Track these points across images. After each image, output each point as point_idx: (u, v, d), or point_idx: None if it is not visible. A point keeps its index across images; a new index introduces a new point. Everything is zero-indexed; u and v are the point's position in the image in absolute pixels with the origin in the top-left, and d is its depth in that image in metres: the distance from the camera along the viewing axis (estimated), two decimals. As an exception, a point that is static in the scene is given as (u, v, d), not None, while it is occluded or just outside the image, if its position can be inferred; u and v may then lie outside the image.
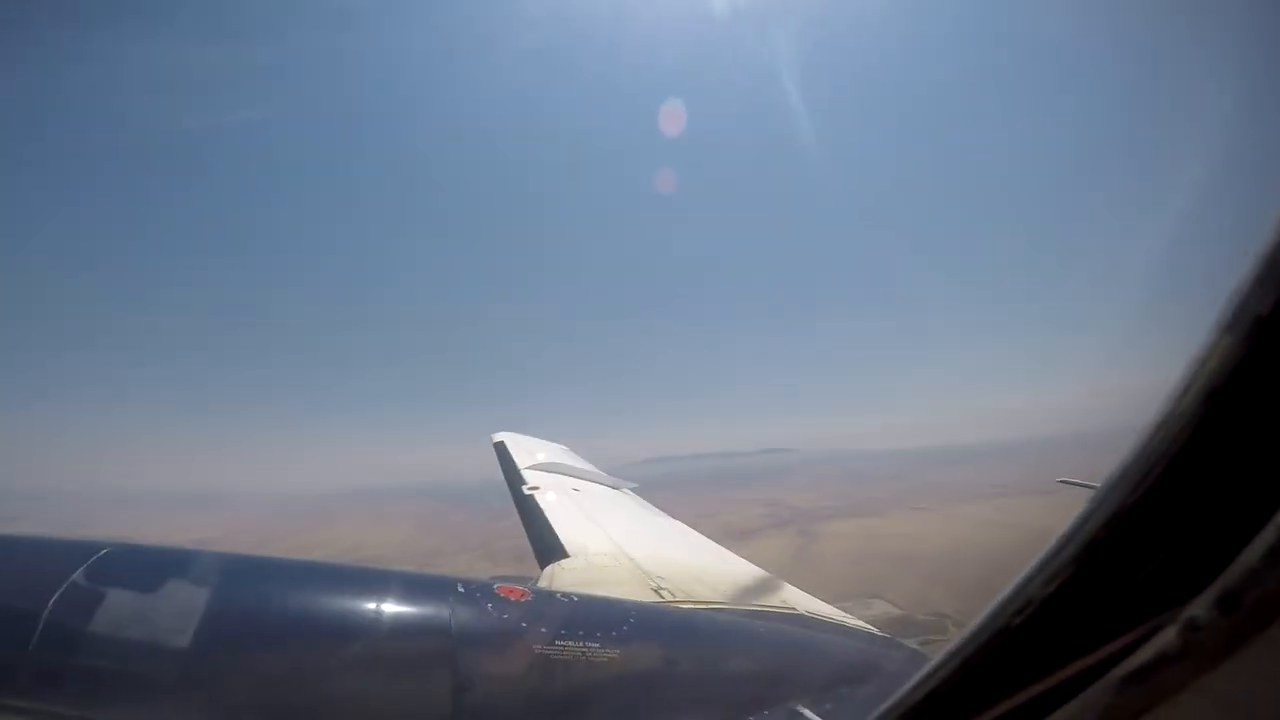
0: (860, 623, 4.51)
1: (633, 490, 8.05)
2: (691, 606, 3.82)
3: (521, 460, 7.92)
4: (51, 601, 2.00)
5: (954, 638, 1.02)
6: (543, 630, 2.50)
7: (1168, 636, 0.79)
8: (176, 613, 2.09)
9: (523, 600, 2.63)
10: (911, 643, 4.47)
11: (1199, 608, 0.76)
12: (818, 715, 2.72)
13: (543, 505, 6.24)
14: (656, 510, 7.37)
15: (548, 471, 7.65)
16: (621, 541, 5.29)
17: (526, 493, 6.69)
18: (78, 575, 2.08)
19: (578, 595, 3.04)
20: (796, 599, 4.57)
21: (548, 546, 5.25)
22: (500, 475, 7.72)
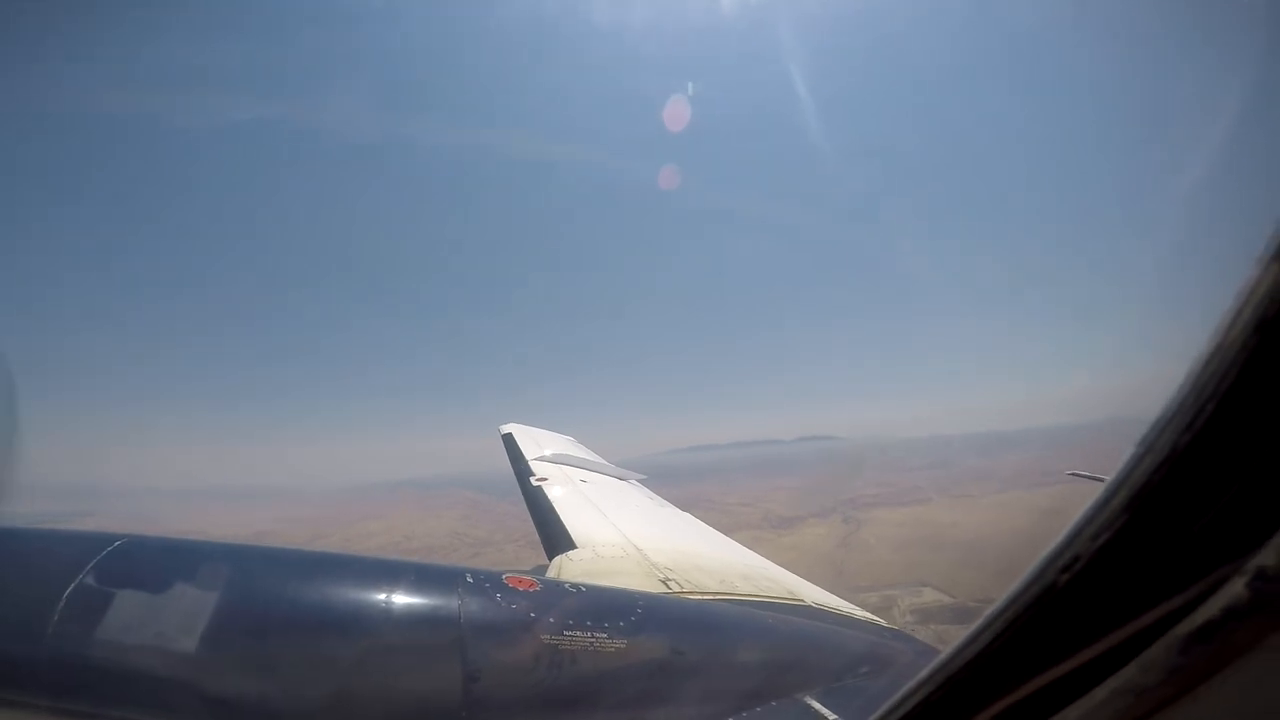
0: (868, 614, 4.45)
1: (640, 481, 7.98)
2: (699, 598, 3.81)
3: (529, 451, 7.94)
4: (66, 594, 2.03)
5: (998, 600, 0.96)
6: (551, 620, 2.51)
7: (1235, 589, 0.72)
8: (189, 604, 2.12)
9: (531, 590, 2.65)
10: (926, 636, 4.35)
11: (1269, 556, 0.70)
12: (825, 706, 2.72)
13: (550, 497, 6.25)
14: (664, 502, 7.31)
15: (555, 463, 7.65)
16: (629, 533, 5.27)
17: (534, 484, 6.70)
18: (91, 568, 2.11)
19: (585, 586, 3.04)
20: (804, 590, 4.54)
21: (555, 538, 5.25)
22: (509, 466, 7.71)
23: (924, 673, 1.08)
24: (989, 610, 0.96)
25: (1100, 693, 0.85)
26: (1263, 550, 0.71)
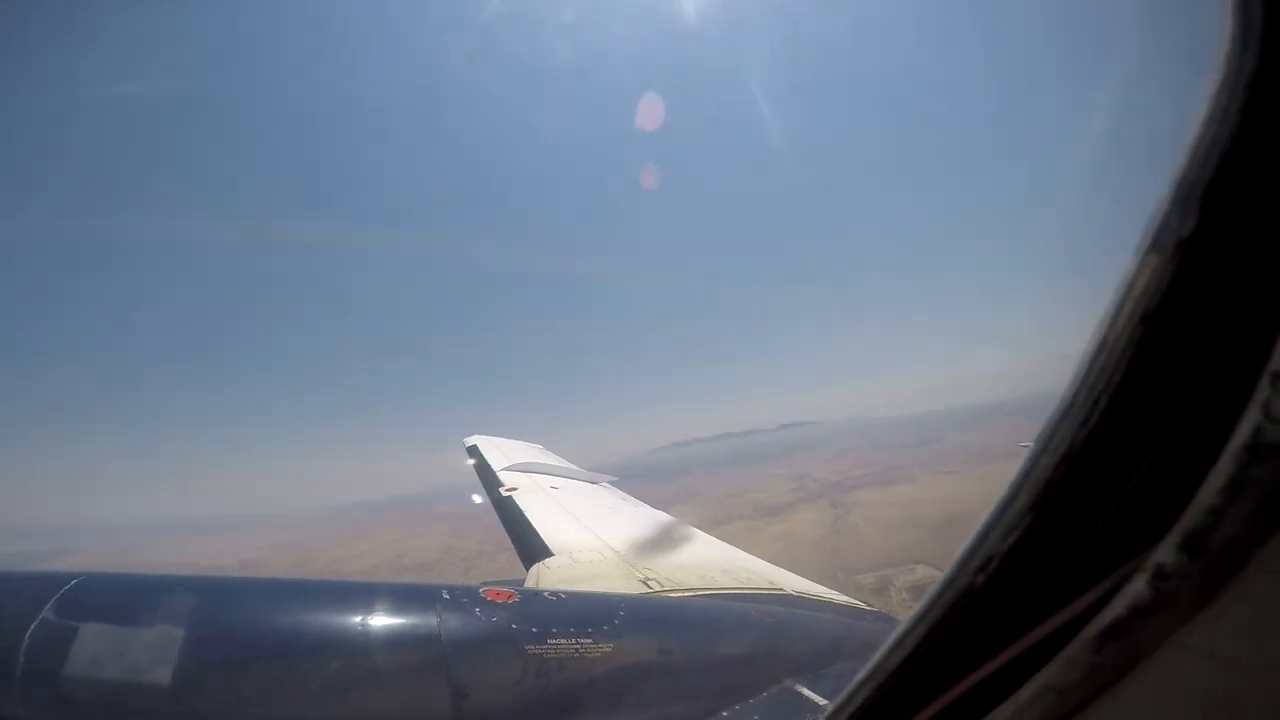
0: (848, 599, 4.53)
1: (611, 483, 7.97)
2: (680, 595, 3.86)
3: (496, 462, 7.89)
4: (27, 635, 1.97)
5: (921, 600, 0.95)
6: (533, 630, 2.50)
7: (1138, 587, 0.74)
8: (158, 638, 2.06)
9: (510, 602, 2.63)
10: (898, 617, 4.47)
11: (1165, 553, 0.72)
12: (811, 690, 2.76)
13: (522, 506, 6.21)
14: (638, 502, 7.34)
15: (524, 472, 7.61)
16: (605, 536, 5.28)
17: (504, 494, 6.66)
18: (50, 607, 2.04)
19: (565, 592, 3.05)
20: (784, 579, 4.60)
21: (531, 546, 5.23)
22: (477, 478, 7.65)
23: (860, 675, 1.07)
24: (912, 613, 0.95)
25: (1026, 692, 0.85)
26: (1159, 547, 0.72)
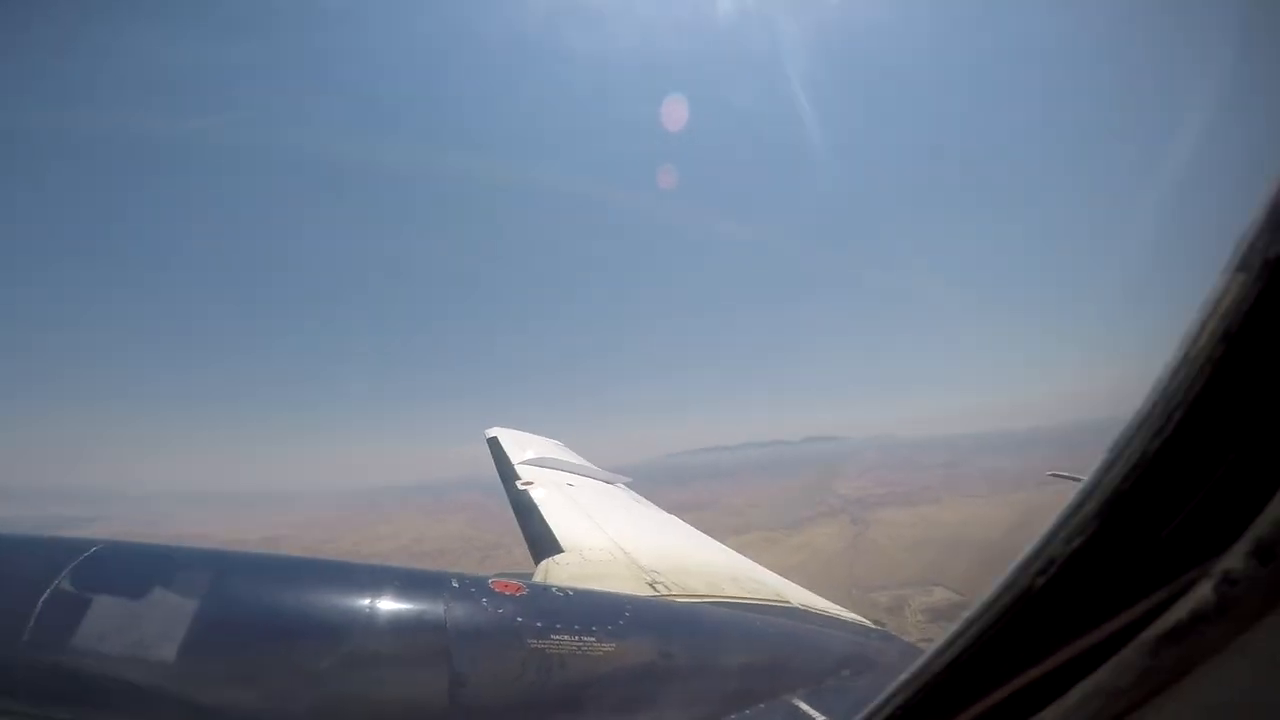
0: (854, 615, 4.46)
1: (626, 484, 7.93)
2: (687, 600, 3.83)
3: (515, 455, 7.90)
4: (40, 602, 1.98)
5: (973, 603, 0.96)
6: (538, 624, 2.50)
7: (1203, 592, 0.74)
8: (168, 611, 2.07)
9: (518, 595, 2.63)
10: (937, 635, 4.39)
11: (1233, 560, 0.72)
12: (812, 707, 2.72)
13: (537, 500, 6.20)
14: (651, 504, 7.29)
15: (541, 467, 7.59)
16: (616, 536, 5.24)
17: (520, 488, 6.65)
18: (65, 575, 2.06)
19: (572, 589, 3.05)
20: (791, 592, 4.55)
21: (542, 541, 5.22)
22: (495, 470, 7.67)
23: (904, 675, 1.07)
24: (967, 613, 0.96)
25: (1075, 695, 0.86)
26: (1228, 554, 0.72)
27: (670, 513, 7.09)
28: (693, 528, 6.60)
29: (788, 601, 4.27)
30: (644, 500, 7.43)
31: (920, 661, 1.05)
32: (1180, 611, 0.75)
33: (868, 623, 4.45)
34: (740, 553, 5.90)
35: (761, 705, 2.74)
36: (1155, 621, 0.78)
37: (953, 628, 0.98)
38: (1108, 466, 0.81)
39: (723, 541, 6.19)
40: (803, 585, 4.96)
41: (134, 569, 2.29)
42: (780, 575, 5.14)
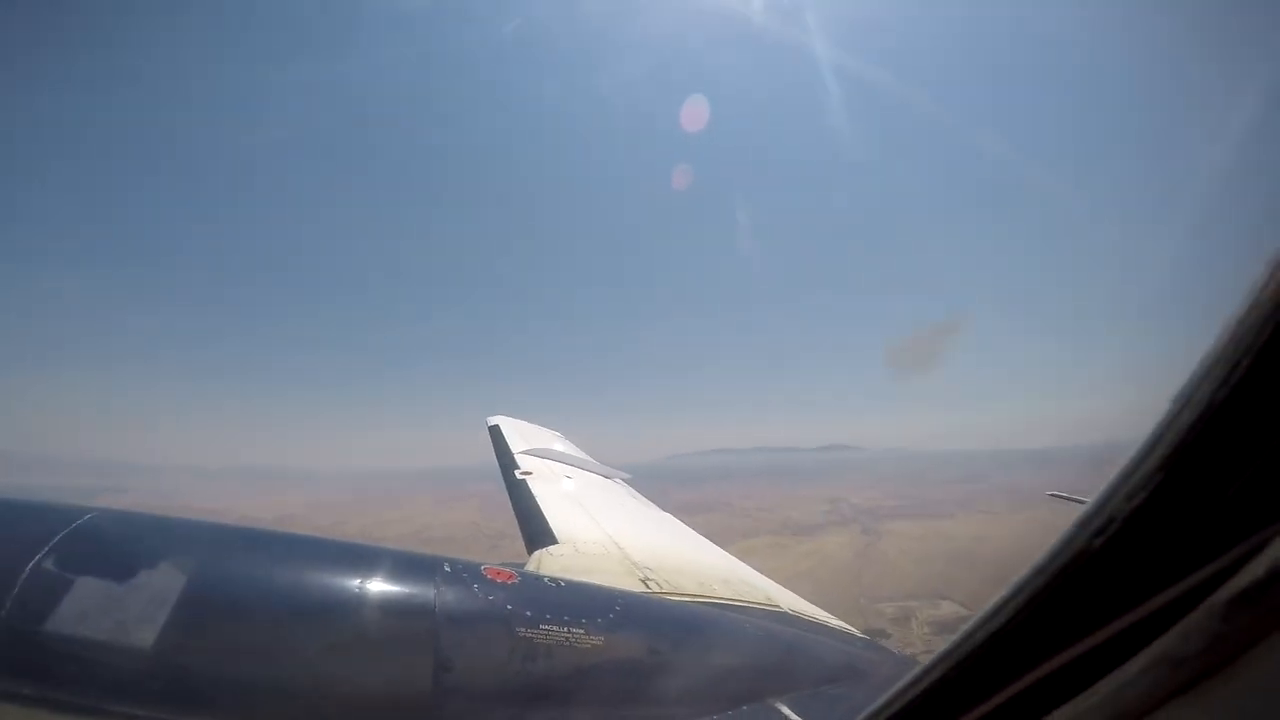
0: (842, 623, 4.46)
1: (625, 480, 7.93)
2: (678, 599, 3.84)
3: (515, 444, 7.93)
4: (28, 568, 1.94)
5: (1029, 565, 0.89)
6: (528, 613, 2.49)
7: (1278, 551, 0.68)
8: (157, 583, 2.05)
9: (509, 583, 2.64)
10: (913, 649, 4.34)
11: None
12: (795, 713, 2.71)
13: (534, 490, 6.23)
14: (648, 502, 7.29)
15: (541, 457, 7.63)
16: (611, 531, 5.26)
17: (519, 477, 6.67)
18: (58, 541, 2.03)
19: (565, 580, 3.05)
20: (781, 597, 4.55)
21: (537, 532, 5.22)
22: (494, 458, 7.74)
23: (962, 631, 0.99)
24: (1018, 577, 0.88)
25: (1136, 664, 0.79)
26: None
27: (680, 513, 7.10)
28: (688, 528, 6.61)
29: (777, 606, 4.28)
30: (641, 498, 7.44)
31: (975, 620, 0.97)
32: (1256, 570, 0.70)
33: (855, 631, 4.46)
34: (748, 557, 5.89)
35: (745, 707, 2.73)
36: (1227, 583, 0.71)
37: (1004, 591, 0.90)
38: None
39: (731, 545, 6.17)
40: (810, 592, 4.96)
41: (126, 539, 2.29)
42: (786, 581, 5.13)
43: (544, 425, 9.70)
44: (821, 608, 4.78)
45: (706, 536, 6.32)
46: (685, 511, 7.23)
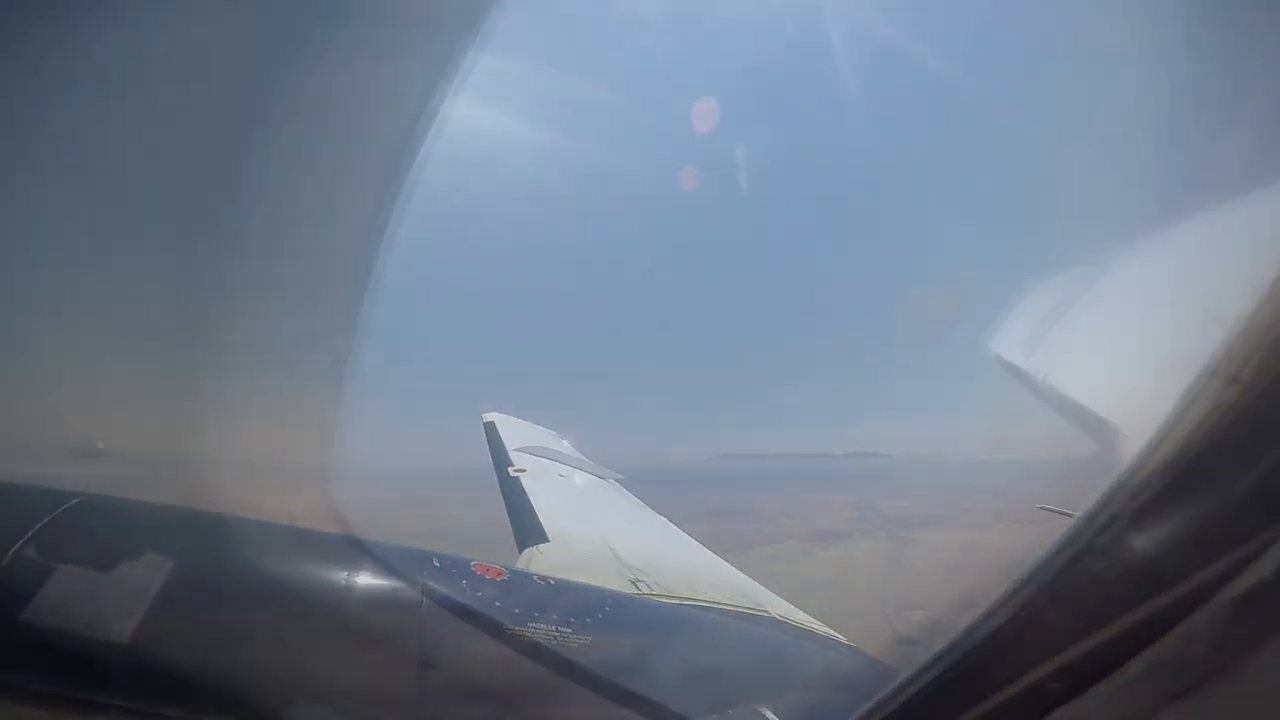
0: (830, 631, 4.48)
1: (619, 481, 7.96)
2: (667, 601, 3.87)
3: (510, 442, 7.97)
4: (9, 554, 1.90)
5: (1026, 564, 0.86)
6: (516, 611, 2.48)
7: None
8: (140, 572, 2.01)
9: (498, 580, 2.63)
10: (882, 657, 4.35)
11: None
12: (779, 717, 2.69)
13: (527, 488, 6.25)
14: (641, 503, 7.32)
15: (535, 455, 7.67)
16: (603, 531, 5.28)
17: (512, 474, 6.70)
18: (43, 525, 1.98)
19: (554, 579, 3.05)
20: (770, 603, 4.56)
21: (528, 530, 5.25)
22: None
23: (962, 630, 1.00)
24: (1019, 575, 0.88)
25: (1136, 665, 0.78)
26: None
27: (704, 518, 7.11)
28: (680, 530, 6.59)
29: (766, 611, 4.31)
30: (635, 499, 7.48)
31: (966, 626, 0.98)
32: (1263, 569, 0.69)
33: (842, 639, 4.51)
34: (772, 563, 5.90)
35: (730, 711, 2.71)
36: (1232, 582, 0.71)
37: (1001, 591, 0.90)
38: (1178, 415, 0.75)
39: (755, 550, 6.22)
40: (835, 601, 4.92)
41: (112, 525, 2.26)
42: (810, 589, 5.11)
43: (543, 426, 9.77)
44: (847, 616, 4.73)
45: (730, 542, 6.27)
46: (709, 516, 7.11)
